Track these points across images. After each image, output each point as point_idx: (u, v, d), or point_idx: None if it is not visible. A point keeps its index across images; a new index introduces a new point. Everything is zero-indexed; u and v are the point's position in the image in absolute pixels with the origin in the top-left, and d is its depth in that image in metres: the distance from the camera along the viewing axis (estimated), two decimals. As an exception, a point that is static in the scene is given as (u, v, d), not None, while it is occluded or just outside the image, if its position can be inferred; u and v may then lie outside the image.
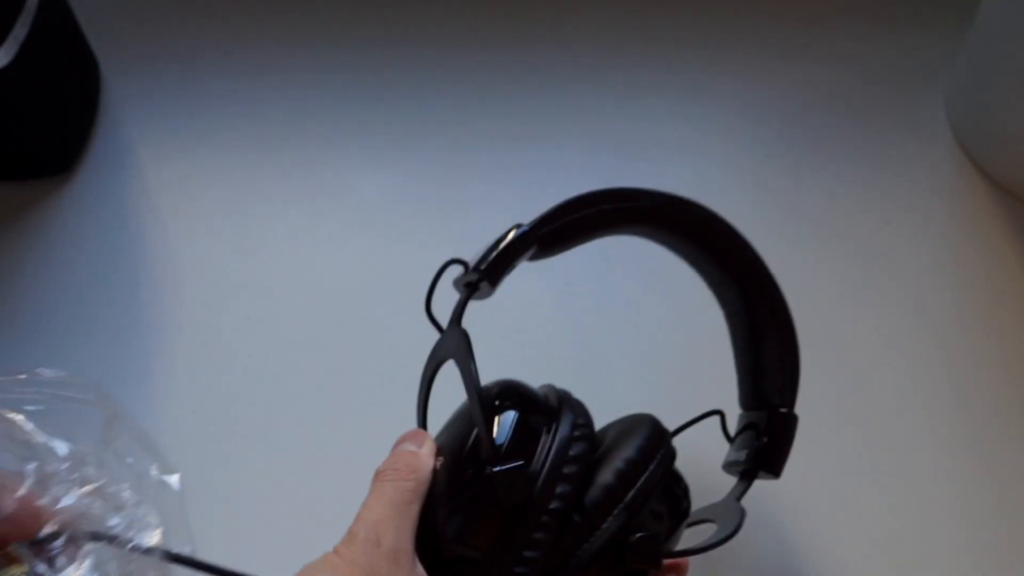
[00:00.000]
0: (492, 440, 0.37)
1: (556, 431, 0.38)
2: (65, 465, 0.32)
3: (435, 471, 0.38)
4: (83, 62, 0.64)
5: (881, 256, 0.59)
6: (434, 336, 0.44)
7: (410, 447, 0.39)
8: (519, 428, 0.38)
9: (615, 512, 0.37)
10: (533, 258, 0.44)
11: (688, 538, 0.41)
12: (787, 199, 0.62)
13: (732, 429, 0.46)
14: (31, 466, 0.32)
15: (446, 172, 0.63)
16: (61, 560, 0.31)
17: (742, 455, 0.44)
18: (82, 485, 0.32)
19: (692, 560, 0.41)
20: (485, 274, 0.41)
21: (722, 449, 0.46)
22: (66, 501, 0.32)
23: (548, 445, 0.38)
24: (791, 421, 0.44)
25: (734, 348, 0.47)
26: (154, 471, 0.34)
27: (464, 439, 0.38)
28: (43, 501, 0.32)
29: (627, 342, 0.56)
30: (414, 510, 0.36)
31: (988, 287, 0.58)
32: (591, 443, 0.39)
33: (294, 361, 0.56)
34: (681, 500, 0.41)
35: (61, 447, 0.32)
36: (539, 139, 0.64)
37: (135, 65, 0.67)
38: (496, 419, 0.38)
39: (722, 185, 0.62)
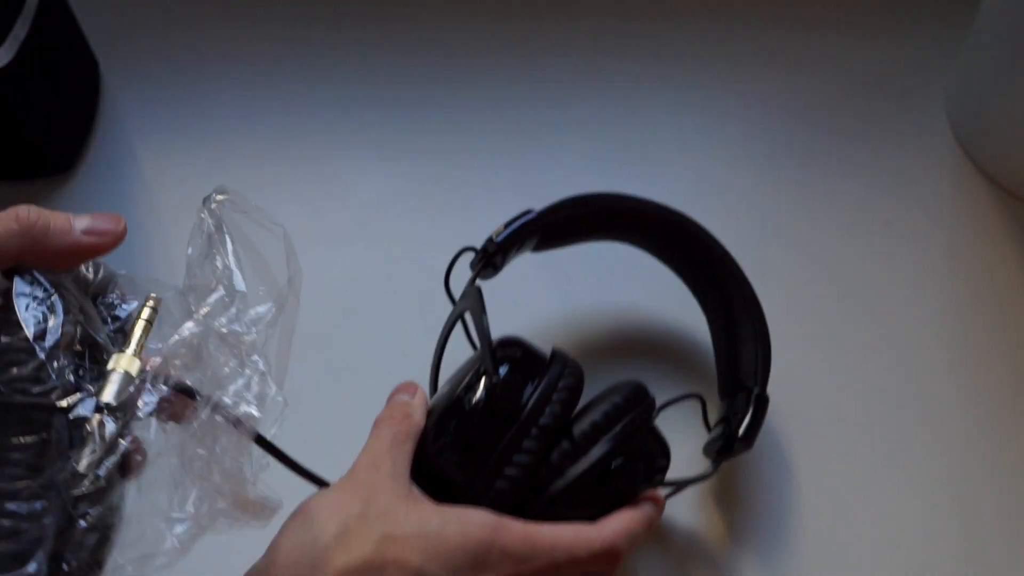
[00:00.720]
0: (493, 355, 0.43)
1: (549, 370, 0.44)
2: (225, 298, 0.33)
3: (430, 413, 0.43)
4: (83, 62, 0.64)
5: (881, 256, 0.59)
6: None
7: (404, 397, 0.44)
8: (519, 365, 0.44)
9: (601, 441, 0.42)
10: (537, 248, 0.50)
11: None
12: (788, 200, 0.62)
13: (711, 422, 0.51)
14: (191, 296, 0.32)
15: (446, 173, 0.63)
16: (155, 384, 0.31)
17: (719, 431, 0.49)
18: (230, 324, 0.33)
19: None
20: (498, 247, 0.47)
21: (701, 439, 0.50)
22: (203, 325, 0.32)
23: (541, 378, 0.44)
24: (764, 400, 0.48)
25: (714, 341, 0.52)
26: (271, 388, 0.34)
27: (463, 376, 0.44)
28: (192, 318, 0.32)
29: (618, 336, 0.57)
30: (409, 447, 0.41)
31: (989, 287, 0.58)
32: (580, 379, 0.45)
33: (293, 360, 0.56)
34: (660, 455, 0.45)
35: (239, 282, 0.33)
36: (539, 141, 0.64)
37: (135, 65, 0.67)
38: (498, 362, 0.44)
39: (721, 186, 0.62)
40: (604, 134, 0.64)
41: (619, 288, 0.58)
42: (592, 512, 0.42)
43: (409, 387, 0.44)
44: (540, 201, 0.62)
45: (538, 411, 0.42)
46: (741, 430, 0.47)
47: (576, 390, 0.44)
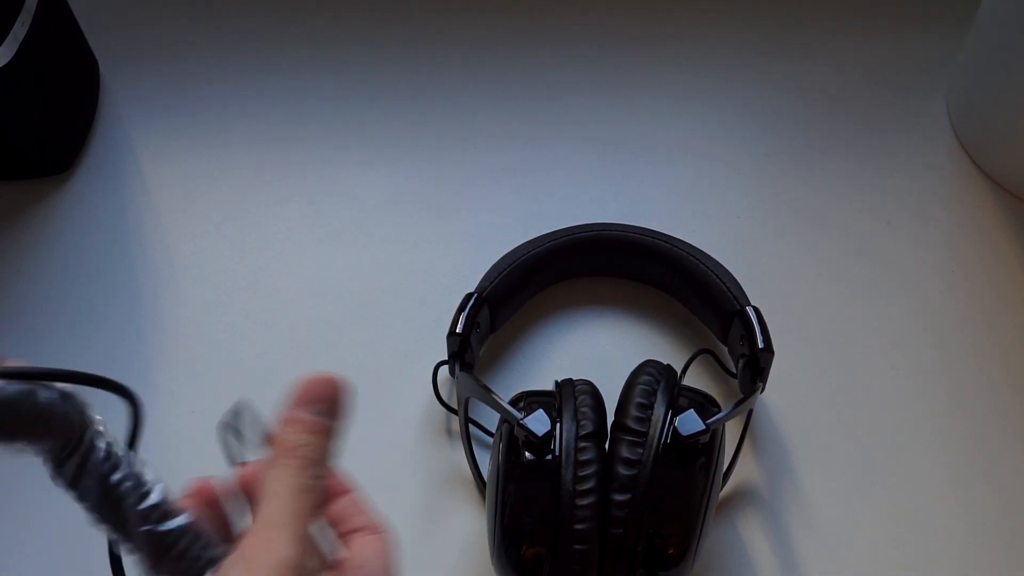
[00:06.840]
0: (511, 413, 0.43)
1: (562, 393, 0.45)
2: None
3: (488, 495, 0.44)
4: (83, 62, 0.64)
5: (882, 255, 0.59)
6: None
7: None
8: (536, 406, 0.44)
9: (655, 407, 0.43)
10: (495, 322, 0.53)
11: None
12: (788, 199, 0.62)
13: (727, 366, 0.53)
14: None
15: (446, 171, 0.63)
16: None
17: (741, 357, 0.50)
18: None
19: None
20: (460, 336, 0.49)
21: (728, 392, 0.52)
22: None
23: (560, 402, 0.44)
24: (756, 310, 0.50)
25: (687, 305, 0.55)
26: None
27: (496, 447, 0.45)
28: None
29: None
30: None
31: (989, 287, 0.58)
32: (592, 384, 0.46)
33: (294, 360, 0.56)
34: (707, 401, 0.46)
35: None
36: (539, 138, 0.64)
37: (135, 65, 0.67)
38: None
39: (722, 185, 0.62)
40: (605, 131, 0.64)
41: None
42: (688, 478, 0.43)
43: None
44: (540, 200, 0.63)
45: (575, 423, 0.43)
46: (759, 342, 0.48)
47: (596, 394, 0.45)
